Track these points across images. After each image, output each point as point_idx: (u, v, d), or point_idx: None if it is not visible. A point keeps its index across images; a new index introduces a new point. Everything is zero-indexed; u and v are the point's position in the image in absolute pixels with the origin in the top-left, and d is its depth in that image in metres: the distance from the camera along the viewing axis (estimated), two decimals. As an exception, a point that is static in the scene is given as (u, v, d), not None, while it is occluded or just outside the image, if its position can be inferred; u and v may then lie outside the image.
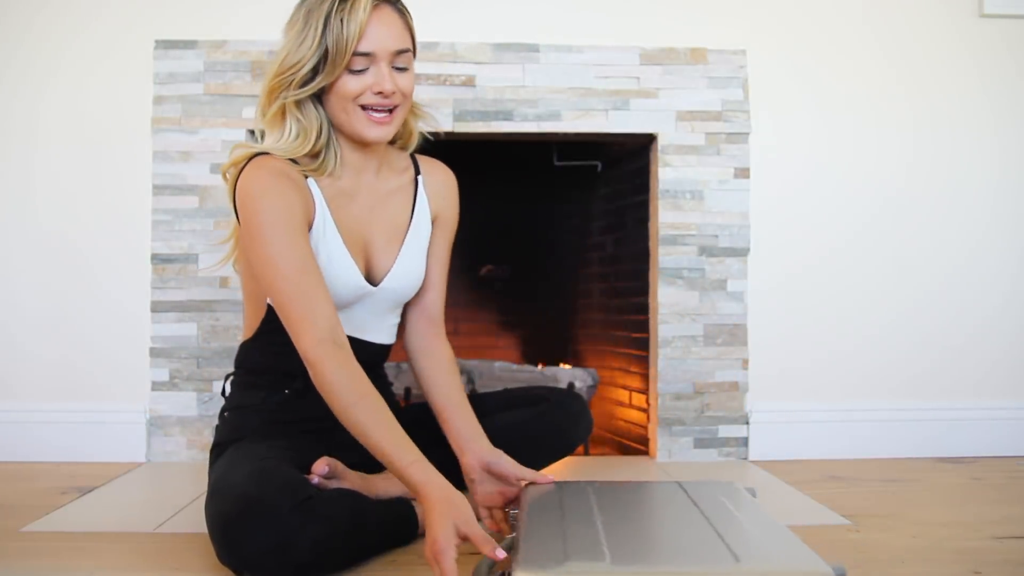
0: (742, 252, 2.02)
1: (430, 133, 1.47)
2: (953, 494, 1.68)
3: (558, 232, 2.69)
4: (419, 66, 1.94)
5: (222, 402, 1.44)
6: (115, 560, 1.23)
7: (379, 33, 1.25)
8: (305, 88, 1.26)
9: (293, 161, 1.30)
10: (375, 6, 1.25)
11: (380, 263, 1.38)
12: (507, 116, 1.98)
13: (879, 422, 2.05)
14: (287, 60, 1.25)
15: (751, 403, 2.03)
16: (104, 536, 1.35)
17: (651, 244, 2.05)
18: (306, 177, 1.31)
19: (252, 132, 1.94)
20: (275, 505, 1.06)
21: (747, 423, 2.02)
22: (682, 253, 2.01)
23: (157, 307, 1.94)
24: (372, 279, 1.37)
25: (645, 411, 2.10)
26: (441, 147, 2.02)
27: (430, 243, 1.47)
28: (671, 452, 2.00)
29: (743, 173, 2.02)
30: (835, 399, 2.06)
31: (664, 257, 2.01)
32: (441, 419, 1.37)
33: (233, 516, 1.07)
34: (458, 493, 1.08)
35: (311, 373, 1.17)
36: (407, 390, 2.24)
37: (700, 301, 2.01)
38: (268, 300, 1.33)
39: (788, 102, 2.05)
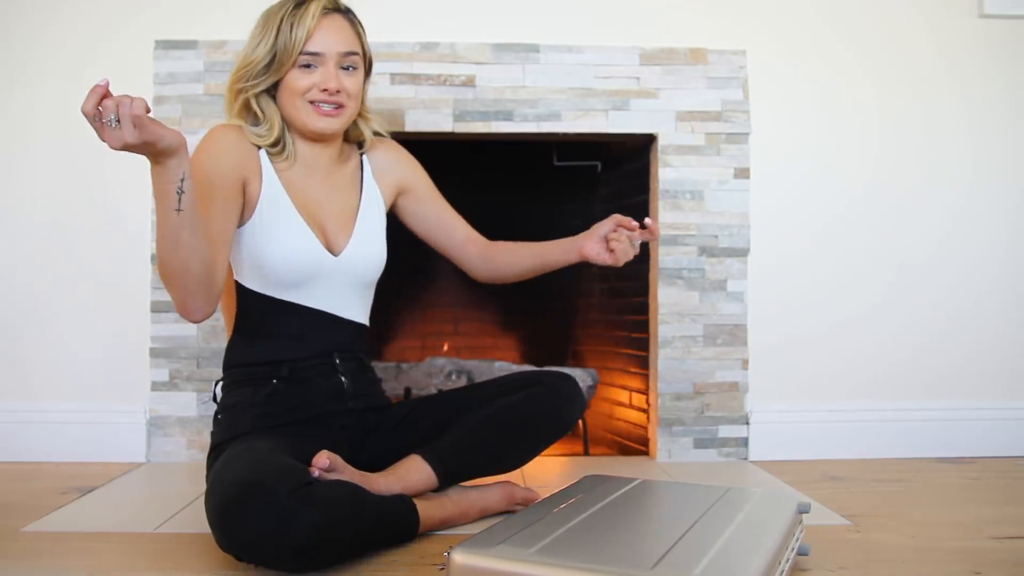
0: (742, 252, 2.02)
1: (379, 132, 1.56)
2: (953, 494, 1.68)
3: (558, 232, 2.66)
4: (419, 66, 1.95)
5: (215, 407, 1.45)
6: (115, 560, 1.23)
7: (327, 36, 1.37)
8: (258, 81, 1.38)
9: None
10: (324, 13, 1.37)
11: (338, 240, 1.45)
12: (507, 116, 1.98)
13: (879, 422, 2.05)
14: (244, 60, 1.39)
15: (751, 403, 2.03)
16: (104, 536, 1.35)
17: (651, 244, 2.05)
18: (259, 148, 1.41)
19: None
20: (273, 489, 1.08)
21: (747, 423, 2.02)
22: (682, 253, 2.01)
23: (157, 307, 1.94)
24: (332, 252, 1.43)
25: (645, 411, 2.10)
26: (441, 147, 2.03)
27: (421, 205, 1.60)
28: (671, 452, 2.00)
29: (743, 173, 2.02)
30: (835, 399, 2.06)
31: (664, 257, 2.01)
32: (540, 262, 1.61)
33: (232, 500, 1.08)
34: None
35: None
36: (407, 390, 2.24)
37: (700, 301, 2.01)
38: (235, 278, 1.41)
39: (788, 102, 2.05)
